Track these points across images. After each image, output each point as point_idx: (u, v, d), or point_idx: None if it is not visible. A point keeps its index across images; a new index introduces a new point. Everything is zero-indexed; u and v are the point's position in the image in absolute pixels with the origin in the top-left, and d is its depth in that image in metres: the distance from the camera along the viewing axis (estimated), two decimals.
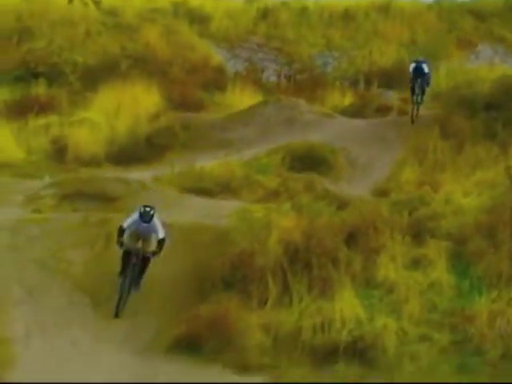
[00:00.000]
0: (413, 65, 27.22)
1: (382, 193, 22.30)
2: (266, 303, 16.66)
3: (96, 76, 29.67)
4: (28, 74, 30.51)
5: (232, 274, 17.10)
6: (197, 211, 19.76)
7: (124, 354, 13.92)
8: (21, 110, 27.77)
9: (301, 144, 25.01)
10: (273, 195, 21.22)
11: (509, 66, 31.88)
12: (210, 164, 23.41)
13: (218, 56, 33.87)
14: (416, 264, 17.94)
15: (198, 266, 17.41)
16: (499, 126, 25.29)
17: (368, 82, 32.07)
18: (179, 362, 15.22)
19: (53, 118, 27.42)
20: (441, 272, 17.67)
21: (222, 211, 19.64)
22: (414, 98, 27.06)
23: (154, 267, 16.79)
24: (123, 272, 16.78)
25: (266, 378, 14.93)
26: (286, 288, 16.92)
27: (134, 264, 16.76)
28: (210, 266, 17.31)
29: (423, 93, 27.03)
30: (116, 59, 31.64)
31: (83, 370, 13.13)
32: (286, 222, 18.44)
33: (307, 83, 32.00)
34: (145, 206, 17.09)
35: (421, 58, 27.85)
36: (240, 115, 27.99)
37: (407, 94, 31.20)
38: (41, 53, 31.90)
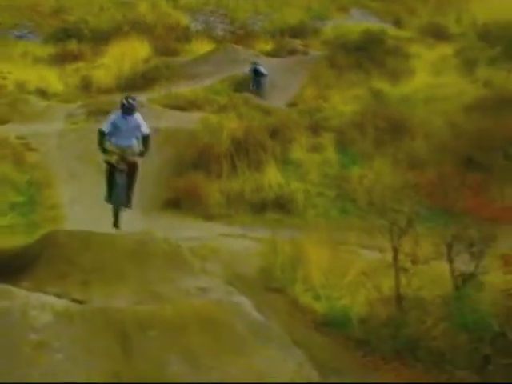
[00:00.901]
0: (252, 67, 23.37)
1: (292, 104, 22.17)
2: (221, 176, 16.50)
3: (107, 35, 28.81)
4: (64, 35, 29.52)
5: (199, 158, 16.87)
6: (175, 120, 19.31)
7: (136, 212, 13.65)
8: (60, 59, 27.07)
9: (240, 75, 24.51)
10: (223, 108, 20.86)
11: (370, 23, 31.36)
12: (183, 89, 22.81)
13: (185, 20, 33.01)
14: (315, 148, 17.93)
15: (177, 155, 17.15)
16: (365, 61, 25.18)
17: (282, 34, 31.44)
18: (169, 215, 15.16)
19: (81, 64, 26.71)
20: (330, 153, 17.77)
21: (192, 119, 19.24)
22: (253, 88, 23.12)
23: (149, 157, 16.46)
24: (110, 192, 11.24)
25: (223, 222, 14.94)
26: (233, 166, 16.74)
27: (121, 170, 10.99)
28: (184, 154, 17.09)
29: (259, 87, 23.06)
30: (120, 24, 30.82)
31: (109, 224, 12.90)
32: (232, 125, 18.17)
33: (243, 36, 31.42)
34: (126, 97, 10.85)
35: (259, 61, 23.85)
36: (201, 58, 27.29)
37: (308, 42, 30.84)
38: (71, 20, 31.08)
